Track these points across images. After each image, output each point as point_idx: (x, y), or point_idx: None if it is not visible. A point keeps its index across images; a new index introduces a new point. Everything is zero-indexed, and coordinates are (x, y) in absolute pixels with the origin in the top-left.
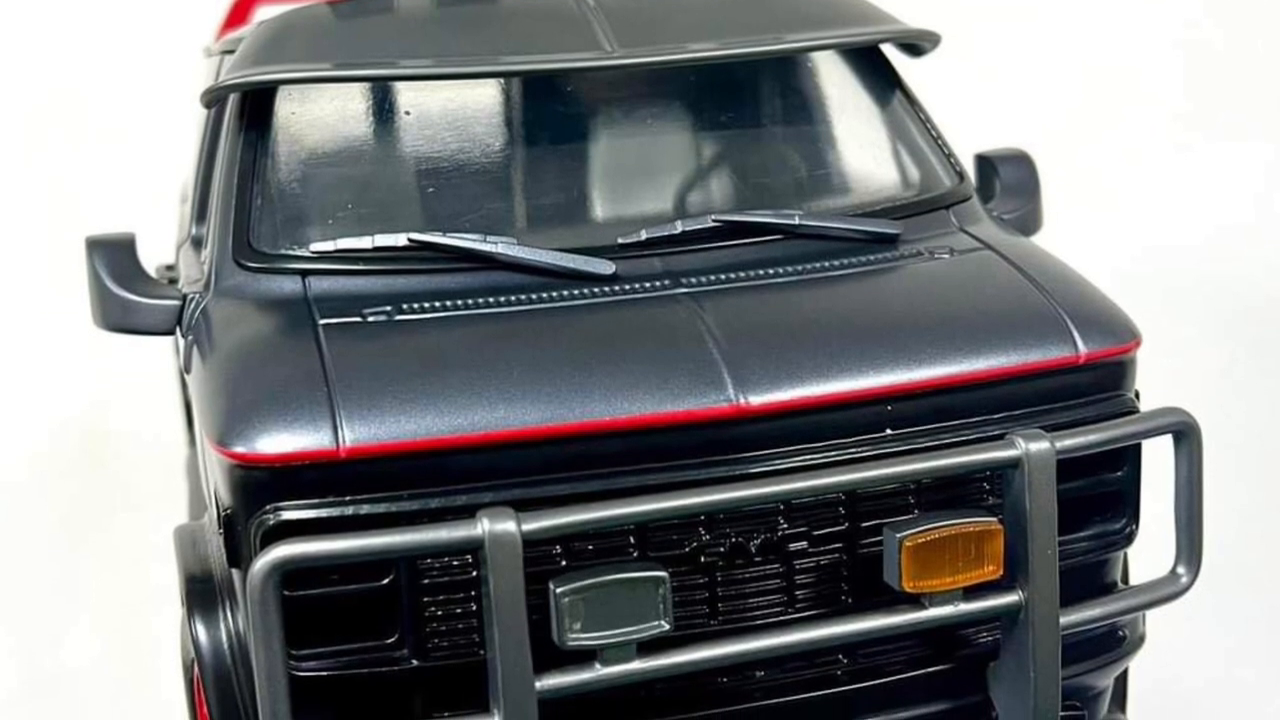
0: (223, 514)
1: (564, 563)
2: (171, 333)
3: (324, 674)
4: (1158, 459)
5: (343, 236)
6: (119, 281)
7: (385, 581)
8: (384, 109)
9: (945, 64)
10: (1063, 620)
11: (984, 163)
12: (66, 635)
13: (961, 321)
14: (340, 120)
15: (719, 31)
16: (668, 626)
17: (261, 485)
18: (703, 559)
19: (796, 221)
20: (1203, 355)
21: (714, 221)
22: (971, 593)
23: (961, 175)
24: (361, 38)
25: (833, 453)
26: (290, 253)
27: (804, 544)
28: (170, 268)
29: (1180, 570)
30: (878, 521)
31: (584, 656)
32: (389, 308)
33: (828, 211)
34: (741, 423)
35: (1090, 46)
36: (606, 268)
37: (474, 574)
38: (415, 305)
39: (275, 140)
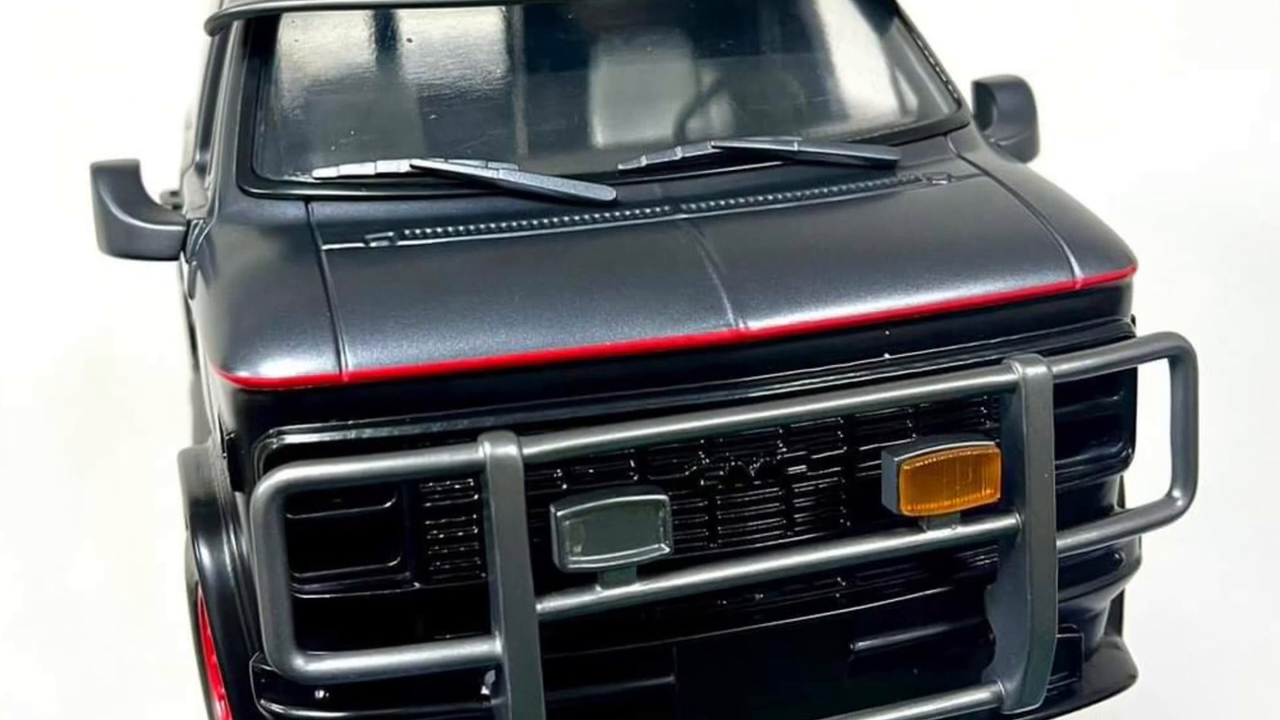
0: (226, 438)
1: (565, 486)
2: (175, 258)
3: (326, 596)
4: (1154, 384)
5: (345, 163)
6: (123, 207)
7: (387, 505)
8: (386, 36)
9: None
10: (1059, 543)
11: (981, 90)
12: (72, 559)
13: (959, 247)
14: (343, 48)
15: None
16: (668, 549)
17: (265, 409)
18: (702, 482)
19: (795, 148)
20: (1198, 281)
21: (714, 148)
22: (969, 516)
23: (959, 102)
24: None
25: (831, 377)
26: (293, 179)
27: (803, 468)
28: (174, 194)
29: (1176, 494)
30: (876, 445)
31: (584, 579)
32: (391, 233)
33: (826, 138)
34: (741, 347)
35: None
36: (607, 194)
37: (475, 497)
38: (417, 231)
39: (278, 67)
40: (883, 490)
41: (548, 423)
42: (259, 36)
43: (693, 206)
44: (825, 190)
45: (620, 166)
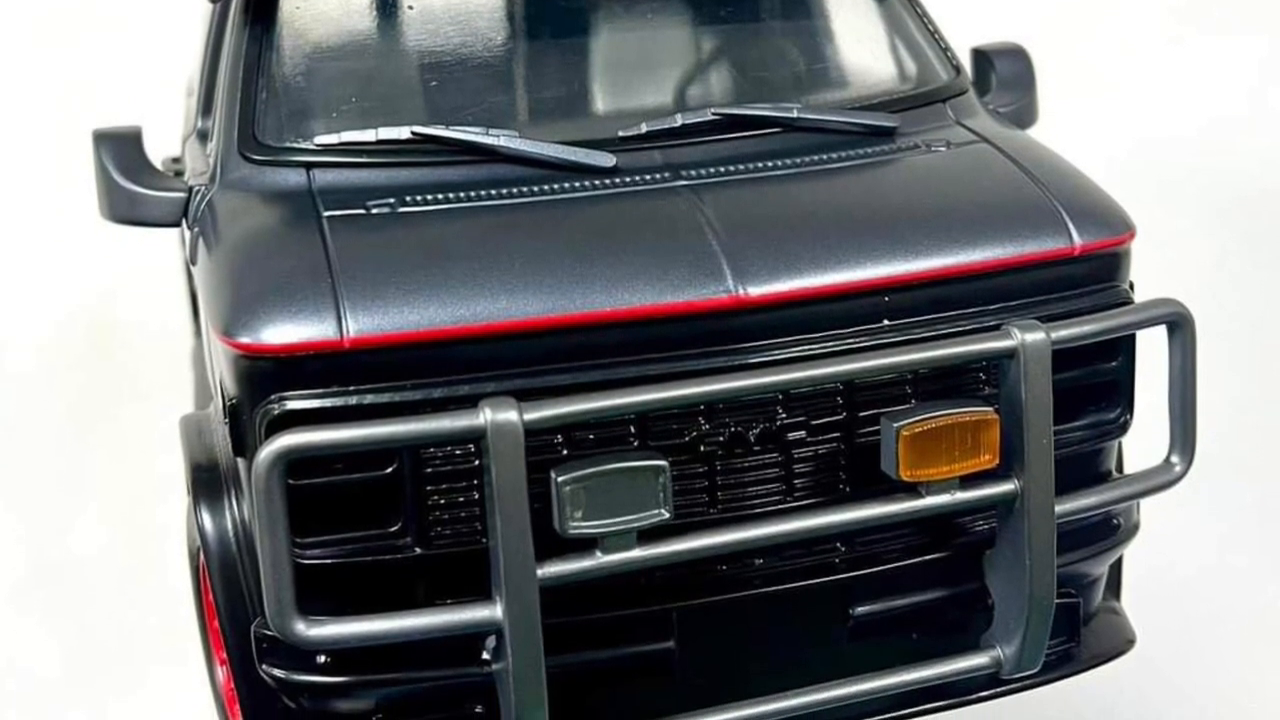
0: (228, 404)
1: (565, 452)
2: (177, 225)
3: (328, 562)
4: (1152, 349)
5: (347, 129)
6: (126, 174)
7: (389, 470)
8: (387, 3)
9: None
10: (1058, 509)
11: (980, 57)
12: (74, 524)
13: (958, 213)
14: (344, 14)
15: None
16: (668, 515)
17: (266, 375)
18: (702, 448)
19: (795, 114)
20: (1196, 247)
21: (713, 115)
22: (968, 482)
23: (958, 69)
24: None
25: (831, 343)
26: (295, 145)
27: (802, 433)
28: (176, 160)
29: (1174, 459)
30: (875, 411)
31: (585, 545)
32: (392, 200)
33: (826, 105)
34: (741, 313)
35: None
36: (607, 160)
37: (476, 463)
38: (418, 197)
39: (280, 34)
40: (882, 456)
41: (548, 388)
42: (261, 3)
43: (693, 173)
44: (825, 157)
45: (620, 133)
